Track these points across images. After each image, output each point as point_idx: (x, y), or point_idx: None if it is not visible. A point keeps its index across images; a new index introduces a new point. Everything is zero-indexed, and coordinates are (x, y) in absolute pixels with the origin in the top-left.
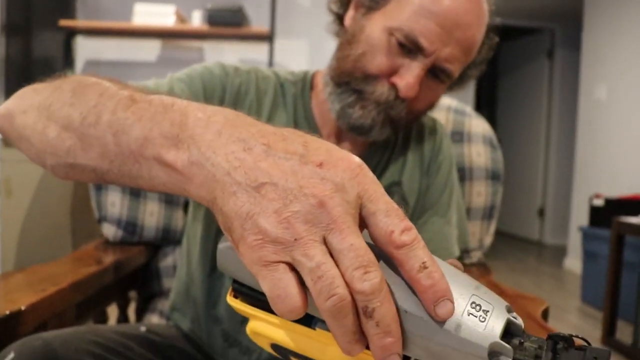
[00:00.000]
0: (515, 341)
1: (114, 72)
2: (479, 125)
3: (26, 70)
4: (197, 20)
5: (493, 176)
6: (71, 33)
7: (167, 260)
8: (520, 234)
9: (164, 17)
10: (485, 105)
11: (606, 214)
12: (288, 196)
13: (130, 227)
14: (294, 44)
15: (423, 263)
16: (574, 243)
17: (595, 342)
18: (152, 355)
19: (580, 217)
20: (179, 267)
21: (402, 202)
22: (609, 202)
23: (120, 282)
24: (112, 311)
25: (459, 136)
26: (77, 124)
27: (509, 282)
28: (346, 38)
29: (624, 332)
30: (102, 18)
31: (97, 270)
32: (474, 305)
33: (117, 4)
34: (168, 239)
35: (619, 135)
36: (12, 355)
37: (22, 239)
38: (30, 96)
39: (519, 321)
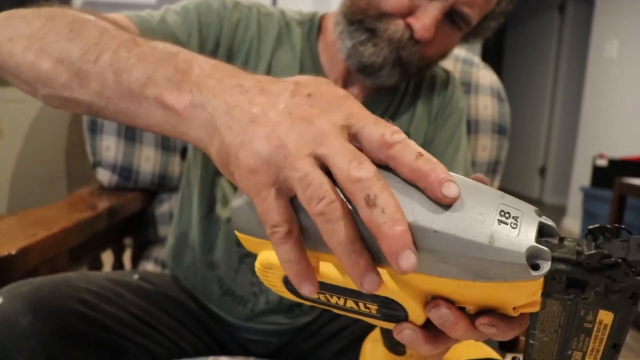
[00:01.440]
0: (553, 241)
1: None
2: (486, 77)
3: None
4: None
5: (500, 130)
6: None
7: (163, 207)
8: (520, 191)
9: None
10: (492, 57)
11: (609, 174)
12: (279, 121)
13: (125, 172)
14: None
15: (418, 152)
16: (574, 203)
17: None
18: (144, 304)
19: (582, 177)
20: (176, 213)
21: None
22: (613, 163)
23: (115, 229)
24: (107, 258)
25: (466, 87)
26: (75, 58)
27: None
28: None
29: None
30: None
31: (90, 216)
32: (502, 213)
33: None
34: (164, 185)
35: (628, 94)
36: (0, 300)
37: (13, 182)
38: (16, 23)
39: (551, 223)
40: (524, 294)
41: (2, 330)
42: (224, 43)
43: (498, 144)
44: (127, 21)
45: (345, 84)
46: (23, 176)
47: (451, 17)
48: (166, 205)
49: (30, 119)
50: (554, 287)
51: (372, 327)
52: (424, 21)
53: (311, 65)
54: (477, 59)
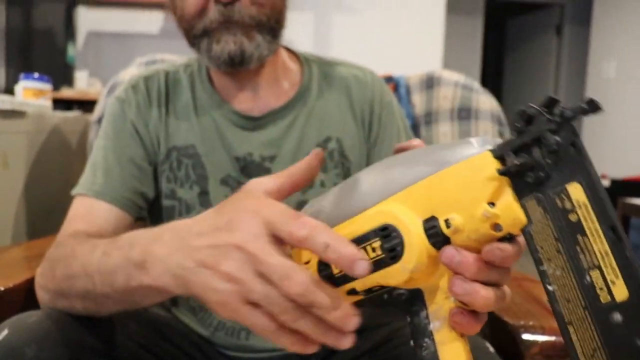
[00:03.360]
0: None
1: (117, 43)
2: (486, 102)
3: (27, 41)
4: None
5: None
6: (72, 3)
7: None
8: None
9: None
10: (491, 80)
11: (611, 195)
12: (218, 258)
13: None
14: (299, 17)
15: (325, 243)
16: None
17: None
18: (149, 333)
19: None
20: None
21: (342, 158)
22: (615, 183)
23: None
24: None
25: (466, 113)
26: (91, 293)
27: (514, 264)
28: (171, 9)
29: None
30: None
31: None
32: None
33: None
34: None
35: (627, 114)
36: (5, 332)
37: (18, 212)
38: (46, 290)
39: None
40: (483, 174)
41: None
42: (147, 131)
43: None
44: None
45: (241, 89)
46: (27, 207)
47: None
48: None
49: (35, 150)
50: (516, 180)
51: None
52: None
53: (204, 95)
54: (476, 85)
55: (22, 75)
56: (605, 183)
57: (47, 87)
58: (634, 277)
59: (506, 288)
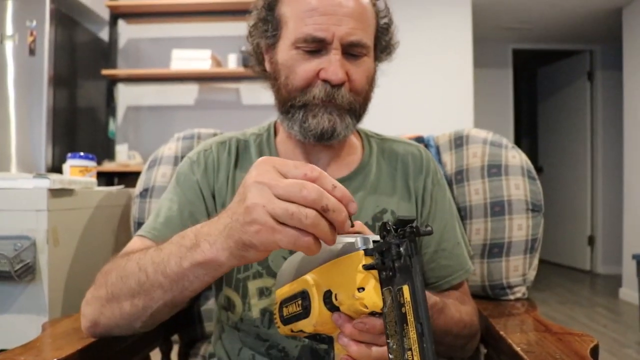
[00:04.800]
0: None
1: (154, 116)
2: (515, 157)
3: (71, 119)
4: (232, 63)
5: (533, 208)
6: (113, 81)
7: (209, 304)
8: (571, 263)
9: (201, 62)
10: (526, 132)
11: None
12: (244, 198)
13: None
14: None
15: (333, 184)
16: (629, 271)
17: None
18: None
19: (633, 243)
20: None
21: None
22: None
23: (163, 327)
24: (156, 356)
25: (497, 169)
26: (143, 285)
27: (560, 314)
28: (272, 76)
29: None
30: (141, 65)
31: None
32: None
33: (155, 51)
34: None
35: None
36: None
37: (68, 285)
38: (94, 301)
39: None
40: (356, 267)
41: None
42: (210, 192)
43: (534, 222)
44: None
45: (313, 162)
46: (77, 280)
47: (349, 52)
48: (211, 302)
49: (83, 225)
50: (380, 274)
51: None
52: (332, 69)
53: None
54: (505, 140)
55: (69, 154)
56: None
57: (92, 164)
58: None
59: (374, 350)
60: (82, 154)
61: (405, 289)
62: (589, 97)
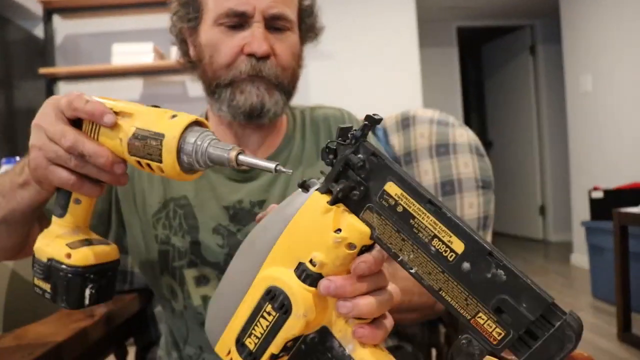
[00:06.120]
0: None
1: None
2: (463, 135)
3: (9, 122)
4: (176, 55)
5: (484, 185)
6: (52, 80)
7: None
8: (525, 234)
9: (143, 55)
10: (474, 108)
11: (607, 205)
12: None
13: (120, 275)
14: None
15: (86, 100)
16: (579, 238)
17: (612, 338)
18: None
19: (581, 211)
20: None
21: None
22: (608, 194)
23: (115, 333)
24: None
25: (444, 148)
26: None
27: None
28: (197, 59)
29: None
30: (81, 62)
31: (88, 324)
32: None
33: (95, 47)
34: None
35: (611, 125)
36: None
37: (8, 300)
38: None
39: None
40: (319, 210)
41: None
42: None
43: (484, 199)
44: None
45: (244, 145)
46: (17, 293)
47: (273, 26)
48: None
49: None
50: (347, 202)
51: None
52: (255, 41)
53: None
54: (452, 119)
55: (4, 159)
56: (599, 195)
57: None
58: (460, 230)
59: (390, 287)
60: (18, 158)
61: (390, 187)
62: (532, 70)
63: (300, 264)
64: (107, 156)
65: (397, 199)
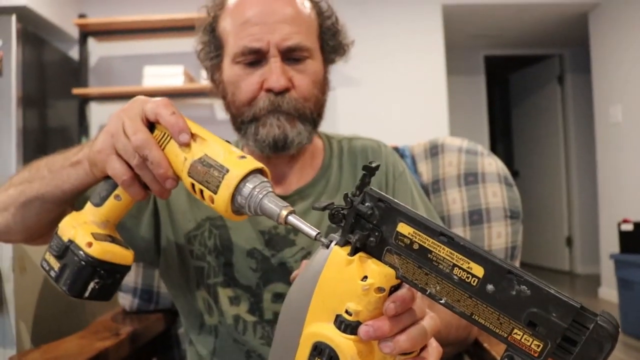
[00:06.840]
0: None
1: None
2: (492, 164)
3: (42, 140)
4: (205, 78)
5: (512, 215)
6: (84, 100)
7: None
8: (551, 265)
9: (173, 78)
10: (501, 137)
11: (637, 239)
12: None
13: (146, 295)
14: None
15: (172, 112)
16: (607, 271)
17: None
18: None
19: (610, 243)
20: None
21: None
22: (639, 226)
23: (139, 353)
24: None
25: (473, 177)
26: (27, 177)
27: None
28: (221, 95)
29: None
30: (113, 83)
31: (114, 343)
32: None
33: (127, 69)
34: None
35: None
36: None
37: (37, 315)
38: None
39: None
40: (342, 263)
41: None
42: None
43: (513, 229)
44: None
45: (279, 178)
46: (46, 309)
47: (290, 58)
48: None
49: None
50: (367, 249)
51: None
52: (272, 76)
53: None
54: (480, 148)
55: None
56: (629, 227)
57: None
58: (477, 255)
59: (425, 320)
60: None
61: (402, 227)
62: (560, 100)
63: (337, 316)
64: (167, 168)
65: (411, 237)
